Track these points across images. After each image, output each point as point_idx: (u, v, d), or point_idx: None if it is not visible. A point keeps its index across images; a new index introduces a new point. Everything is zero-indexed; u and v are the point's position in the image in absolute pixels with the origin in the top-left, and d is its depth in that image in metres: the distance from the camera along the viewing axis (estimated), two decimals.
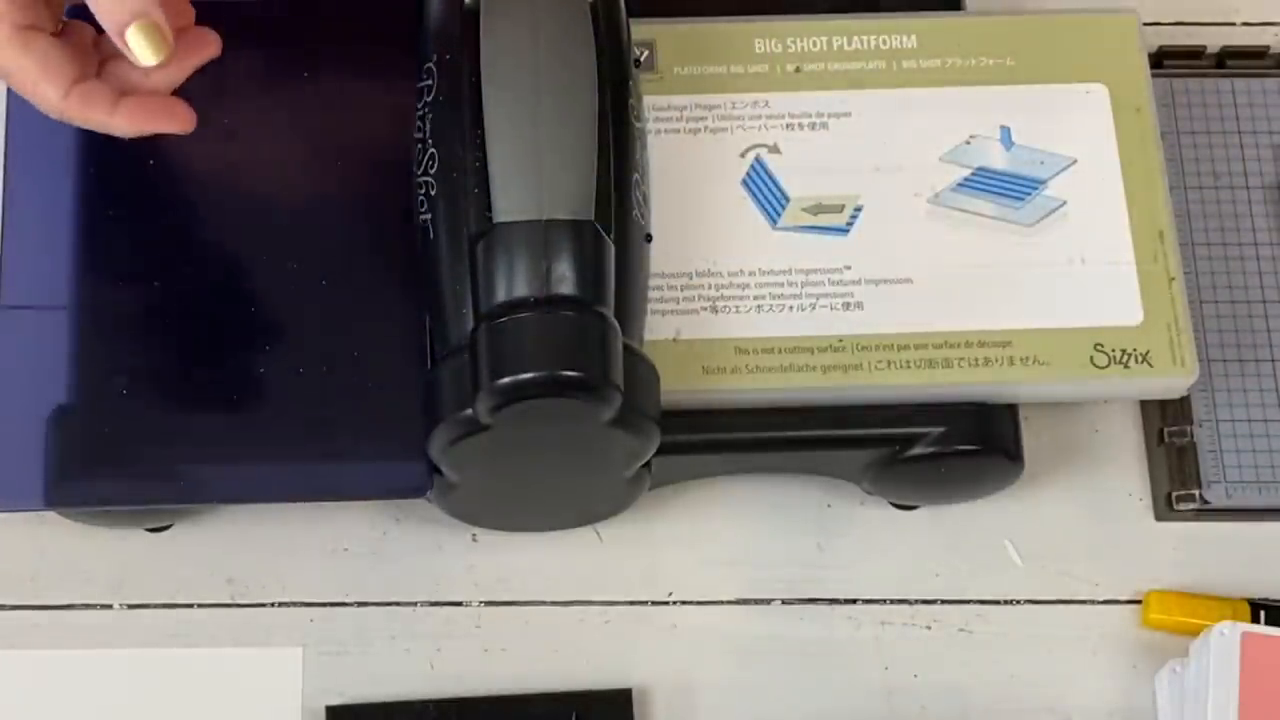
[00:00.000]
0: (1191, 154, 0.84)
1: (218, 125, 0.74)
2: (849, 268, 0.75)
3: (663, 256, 0.74)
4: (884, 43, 0.78)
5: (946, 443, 0.74)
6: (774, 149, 0.77)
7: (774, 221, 0.76)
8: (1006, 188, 0.76)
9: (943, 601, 0.79)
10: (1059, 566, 0.80)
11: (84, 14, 0.64)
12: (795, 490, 0.80)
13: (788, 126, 0.77)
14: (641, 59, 0.77)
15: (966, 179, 0.76)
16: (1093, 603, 0.79)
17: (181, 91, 0.67)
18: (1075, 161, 0.77)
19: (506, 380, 0.66)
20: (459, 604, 0.78)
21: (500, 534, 0.79)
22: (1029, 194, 0.76)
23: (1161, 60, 0.86)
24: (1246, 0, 0.89)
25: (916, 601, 0.79)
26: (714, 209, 0.76)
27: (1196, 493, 0.79)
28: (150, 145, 0.69)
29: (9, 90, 0.66)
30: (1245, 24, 0.89)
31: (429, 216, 0.70)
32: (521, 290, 0.67)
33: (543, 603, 0.78)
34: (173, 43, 0.64)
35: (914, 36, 0.79)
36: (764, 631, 0.78)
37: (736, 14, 0.79)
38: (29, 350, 0.73)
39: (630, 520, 0.78)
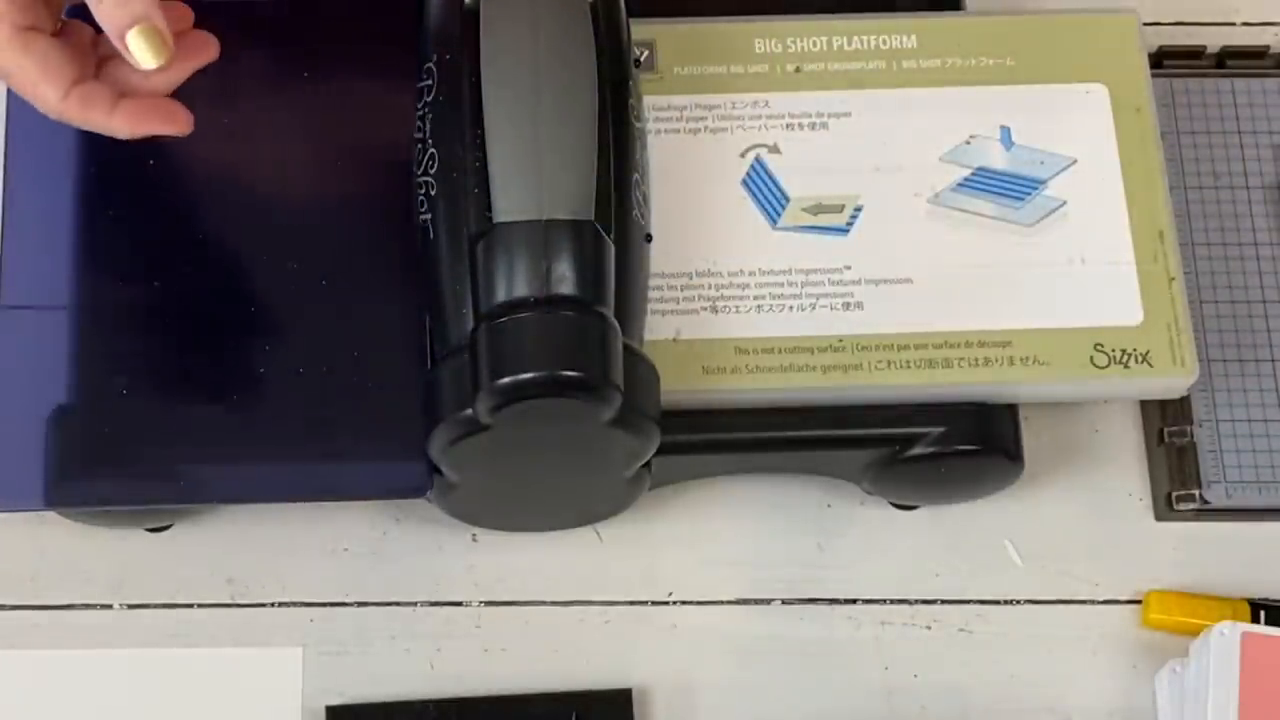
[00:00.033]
0: (1191, 154, 0.84)
1: (217, 125, 0.74)
2: (849, 268, 0.75)
3: (663, 256, 0.74)
4: (884, 43, 0.78)
5: (946, 443, 0.74)
6: (774, 149, 0.77)
7: (774, 221, 0.76)
8: (1006, 188, 0.76)
9: (943, 601, 0.79)
10: (1059, 566, 0.80)
11: (82, 13, 0.64)
12: (795, 490, 0.80)
13: (788, 126, 0.77)
14: (641, 59, 0.77)
15: (966, 179, 0.76)
16: (1093, 603, 0.79)
17: (182, 91, 0.67)
18: (1075, 161, 0.77)
19: (506, 380, 0.66)
20: (459, 604, 0.78)
21: (500, 534, 0.79)
22: (1029, 194, 0.76)
23: (1161, 60, 0.86)
24: (1246, 0, 0.89)
25: (916, 601, 0.79)
26: (714, 209, 0.76)
27: (1196, 493, 0.79)
28: (150, 145, 0.69)
29: (9, 90, 0.66)
30: (1245, 24, 0.89)
31: (429, 216, 0.70)
32: (521, 290, 0.67)
33: (543, 603, 0.78)
34: (172, 46, 0.64)
35: (914, 36, 0.79)
36: (764, 631, 0.78)
37: (736, 14, 0.79)
38: (29, 350, 0.73)
39: (630, 520, 0.78)
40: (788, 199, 0.76)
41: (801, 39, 0.78)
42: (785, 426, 0.74)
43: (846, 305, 0.74)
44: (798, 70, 0.78)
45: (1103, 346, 0.74)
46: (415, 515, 0.79)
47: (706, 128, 0.77)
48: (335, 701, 0.76)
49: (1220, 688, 0.73)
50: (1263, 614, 0.78)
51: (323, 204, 0.75)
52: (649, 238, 0.71)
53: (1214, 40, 0.87)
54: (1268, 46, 0.87)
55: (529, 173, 0.67)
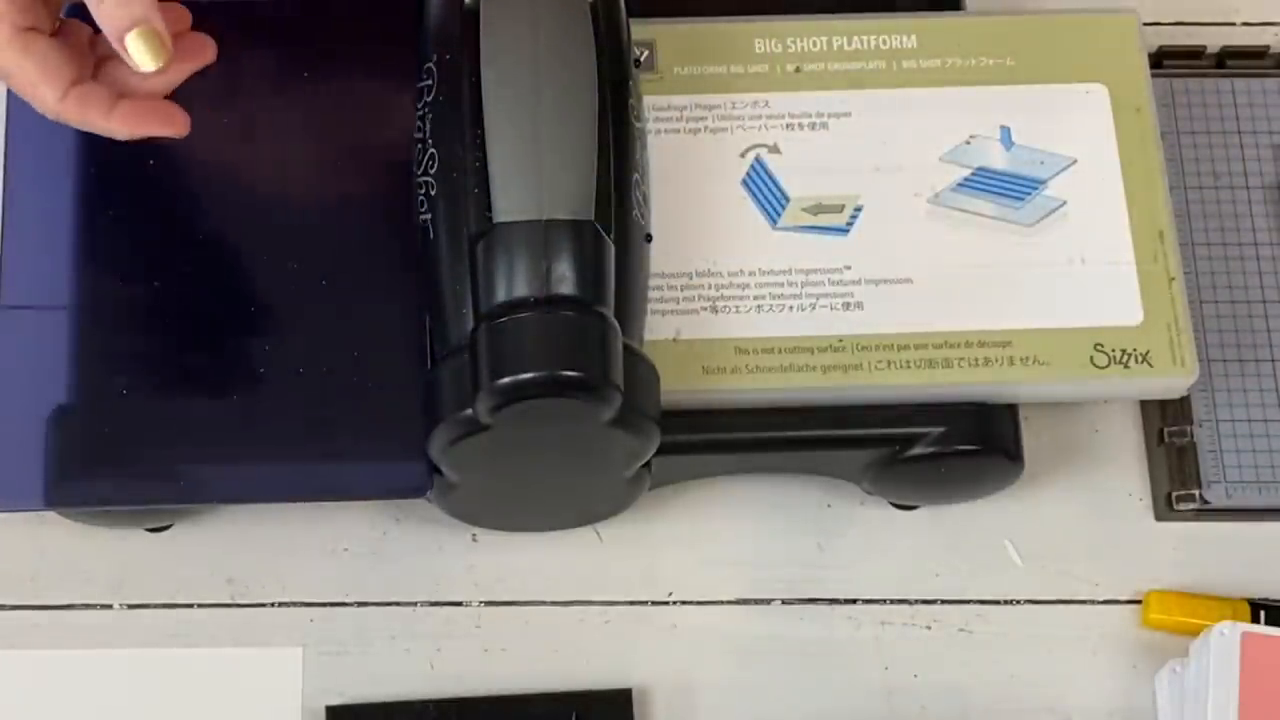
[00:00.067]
0: (1191, 154, 0.84)
1: (217, 125, 0.74)
2: (849, 268, 0.75)
3: (663, 256, 0.74)
4: (884, 43, 0.78)
5: (946, 443, 0.74)
6: (774, 149, 0.77)
7: (774, 221, 0.76)
8: (1006, 188, 0.76)
9: (943, 601, 0.79)
10: (1059, 566, 0.80)
11: (80, 13, 0.65)
12: (795, 490, 0.80)
13: (788, 126, 0.77)
14: (641, 59, 0.77)
15: (966, 179, 0.76)
16: (1093, 603, 0.79)
17: (181, 92, 0.67)
18: (1075, 161, 0.77)
19: (506, 380, 0.66)
20: (459, 604, 0.78)
21: (500, 534, 0.79)
22: (1029, 194, 0.76)
23: (1161, 60, 0.86)
24: (1246, 0, 0.89)
25: (916, 601, 0.79)
26: (714, 209, 0.76)
27: (1196, 493, 0.79)
28: (150, 145, 0.69)
29: (9, 91, 0.66)
30: (1245, 24, 0.89)
31: (429, 216, 0.70)
32: (521, 290, 0.67)
33: (543, 603, 0.78)
34: (171, 49, 0.64)
35: (914, 36, 0.79)
36: (764, 631, 0.78)
37: (736, 14, 0.79)
38: (29, 350, 0.73)
39: (630, 520, 0.78)
40: (788, 199, 0.76)
41: (801, 39, 0.78)
42: (785, 426, 0.74)
43: (846, 305, 0.74)
44: (798, 70, 0.78)
45: (1103, 346, 0.74)
46: (415, 515, 0.79)
47: (706, 128, 0.77)
48: (335, 701, 0.76)
49: (1220, 688, 0.73)
50: (1263, 614, 0.78)
51: (323, 204, 0.75)
52: (649, 238, 0.71)
53: (1214, 40, 0.87)
54: (1268, 46, 0.87)
55: (529, 173, 0.67)
